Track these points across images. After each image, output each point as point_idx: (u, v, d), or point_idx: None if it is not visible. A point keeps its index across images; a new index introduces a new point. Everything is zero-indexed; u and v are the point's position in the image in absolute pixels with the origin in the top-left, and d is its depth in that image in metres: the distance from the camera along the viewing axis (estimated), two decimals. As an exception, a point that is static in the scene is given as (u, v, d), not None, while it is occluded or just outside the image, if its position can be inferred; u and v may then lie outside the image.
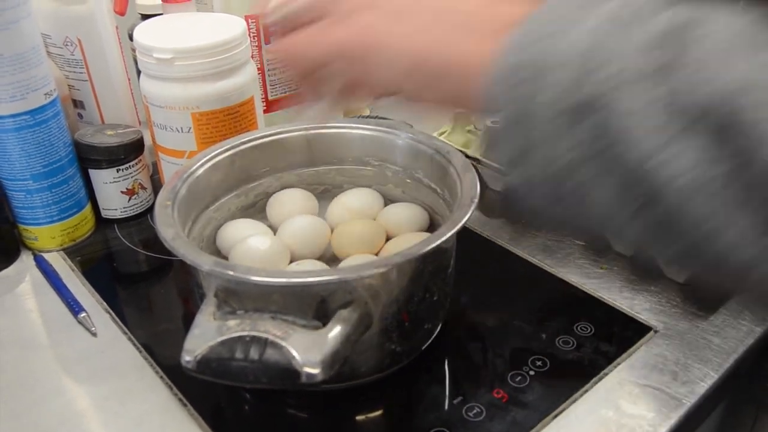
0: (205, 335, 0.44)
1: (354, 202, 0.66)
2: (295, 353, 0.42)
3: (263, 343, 0.43)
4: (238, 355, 0.42)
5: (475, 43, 0.36)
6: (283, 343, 0.42)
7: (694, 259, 0.32)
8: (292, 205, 0.66)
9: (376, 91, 0.42)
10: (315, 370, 0.42)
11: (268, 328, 0.43)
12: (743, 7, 0.31)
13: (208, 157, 0.62)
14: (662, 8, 0.31)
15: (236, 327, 0.44)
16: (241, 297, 0.47)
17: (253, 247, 0.58)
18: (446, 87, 0.38)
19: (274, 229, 0.64)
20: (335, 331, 0.44)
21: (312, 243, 0.62)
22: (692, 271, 0.33)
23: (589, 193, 0.32)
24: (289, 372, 0.42)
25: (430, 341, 0.59)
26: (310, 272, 0.47)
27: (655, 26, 0.30)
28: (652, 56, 0.30)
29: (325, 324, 0.45)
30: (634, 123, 0.29)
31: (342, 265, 0.60)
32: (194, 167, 0.61)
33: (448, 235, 0.50)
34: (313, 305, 0.46)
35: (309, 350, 0.42)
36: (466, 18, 0.37)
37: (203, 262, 0.47)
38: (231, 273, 0.46)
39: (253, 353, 0.42)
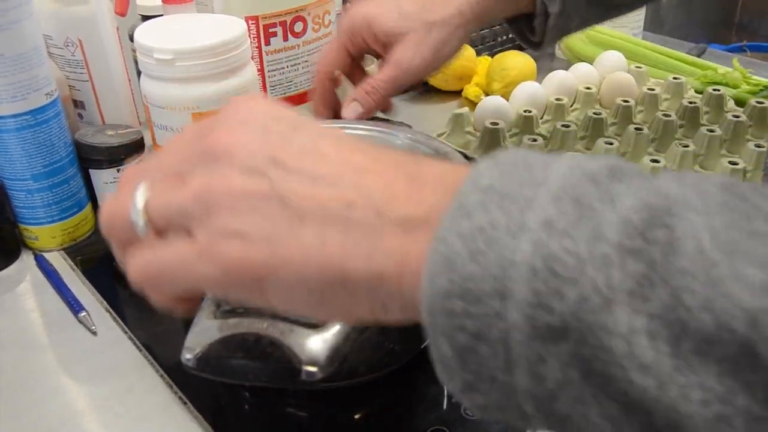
0: (205, 333, 0.44)
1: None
2: (295, 351, 0.42)
3: (263, 341, 0.43)
4: (238, 353, 0.43)
5: (401, 245, 0.30)
6: (283, 341, 0.43)
7: None
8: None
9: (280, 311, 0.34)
10: (314, 369, 0.42)
11: (268, 326, 0.44)
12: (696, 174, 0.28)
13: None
14: (605, 205, 0.26)
15: (236, 325, 0.44)
16: (241, 296, 0.47)
17: None
18: (368, 306, 0.31)
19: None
20: (335, 330, 0.45)
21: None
22: None
23: (581, 413, 0.27)
24: (288, 370, 0.42)
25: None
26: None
27: (612, 232, 0.26)
28: (624, 271, 0.25)
29: (325, 322, 0.45)
30: (631, 350, 0.25)
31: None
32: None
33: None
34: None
35: (309, 348, 0.43)
36: (380, 210, 0.30)
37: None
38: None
39: (253, 351, 0.42)
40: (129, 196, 0.33)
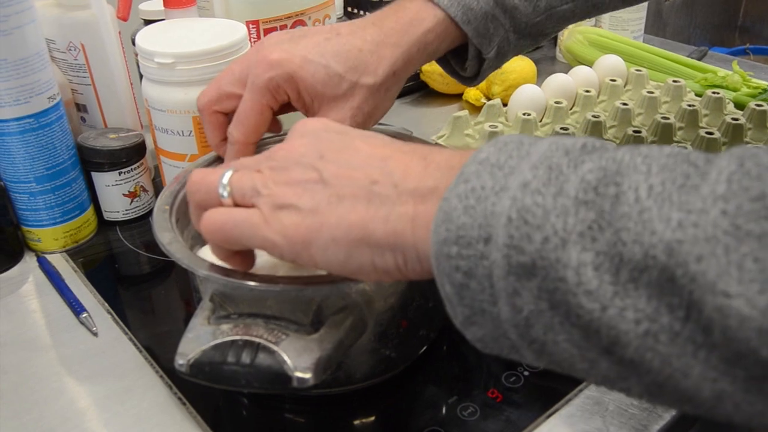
0: (198, 339, 0.44)
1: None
2: (286, 358, 0.43)
3: (255, 347, 0.43)
4: (230, 359, 0.43)
5: (413, 210, 0.38)
6: (275, 348, 0.43)
7: (660, 397, 0.33)
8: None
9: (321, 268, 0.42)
10: (306, 375, 0.43)
11: (261, 332, 0.44)
12: (654, 145, 0.34)
13: (207, 162, 0.63)
14: (571, 170, 0.33)
15: (229, 331, 0.45)
16: (236, 301, 0.48)
17: None
18: (389, 260, 0.39)
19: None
20: (328, 337, 0.45)
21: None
22: (662, 405, 0.36)
23: (552, 339, 0.34)
24: (280, 376, 0.43)
25: (425, 348, 0.60)
26: (304, 278, 0.47)
27: (572, 188, 0.32)
28: (578, 217, 0.32)
29: (318, 329, 0.46)
30: (579, 279, 0.31)
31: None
32: (193, 172, 0.62)
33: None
34: (308, 310, 0.47)
35: (300, 355, 0.43)
36: (396, 187, 0.39)
37: (199, 266, 0.48)
38: (226, 278, 0.47)
39: (245, 357, 0.43)
40: (218, 174, 0.44)
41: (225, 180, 0.44)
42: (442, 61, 0.69)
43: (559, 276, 0.32)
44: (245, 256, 0.47)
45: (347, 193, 0.40)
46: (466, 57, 0.66)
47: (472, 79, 0.70)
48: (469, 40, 0.63)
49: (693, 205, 0.30)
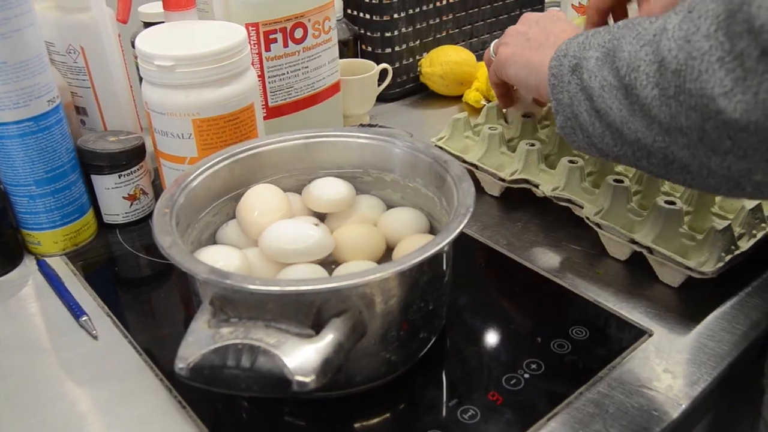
0: (198, 343, 0.44)
1: (355, 206, 0.67)
2: (286, 361, 0.43)
3: (255, 351, 0.43)
4: (230, 363, 0.43)
5: (546, 54, 0.66)
6: (275, 351, 0.43)
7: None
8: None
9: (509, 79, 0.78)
10: (306, 379, 0.42)
11: (261, 336, 0.44)
12: None
13: (207, 165, 0.63)
14: (610, 31, 0.61)
15: (229, 335, 0.44)
16: (236, 305, 0.48)
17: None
18: (535, 78, 0.71)
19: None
20: (327, 340, 0.45)
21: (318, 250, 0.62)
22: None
23: (582, 117, 0.59)
24: (280, 380, 0.43)
25: (426, 350, 0.60)
26: (304, 281, 0.47)
27: (604, 36, 0.59)
28: (603, 40, 0.58)
29: (319, 332, 0.46)
30: (588, 65, 0.59)
31: (337, 272, 0.60)
32: (193, 175, 0.62)
33: (443, 245, 0.51)
34: (308, 313, 0.47)
35: (300, 358, 0.43)
36: (546, 41, 0.72)
37: (199, 270, 0.48)
38: (226, 281, 0.47)
39: (245, 361, 0.43)
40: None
41: (492, 47, 0.85)
42: None
43: (582, 65, 0.59)
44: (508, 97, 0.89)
45: (532, 41, 0.74)
46: None
47: None
48: None
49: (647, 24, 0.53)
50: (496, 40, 0.82)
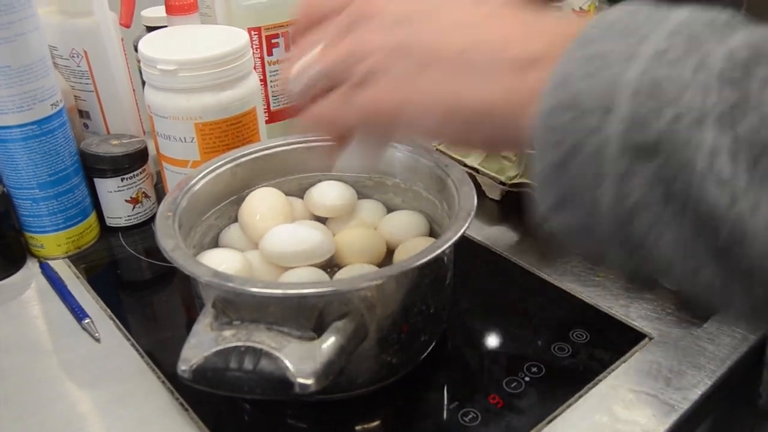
0: (201, 345, 0.45)
1: (356, 210, 0.68)
2: (288, 364, 0.43)
3: (258, 353, 0.43)
4: (233, 365, 0.43)
5: (512, 81, 0.34)
6: (277, 354, 0.43)
7: (765, 313, 0.30)
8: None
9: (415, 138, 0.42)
10: (308, 381, 0.43)
11: (264, 338, 0.44)
12: None
13: (209, 169, 0.63)
14: (716, 42, 0.29)
15: (232, 337, 0.45)
16: (238, 307, 0.48)
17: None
18: (488, 130, 0.36)
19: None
20: (329, 342, 0.45)
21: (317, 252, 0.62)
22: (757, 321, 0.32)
23: (656, 236, 0.29)
24: (282, 382, 0.43)
25: (427, 353, 0.60)
26: (306, 284, 0.48)
27: (716, 63, 0.28)
28: (720, 96, 0.27)
29: (320, 335, 0.46)
30: (711, 165, 0.27)
31: (339, 276, 0.60)
32: (196, 179, 0.62)
33: (444, 248, 0.51)
34: (310, 316, 0.47)
35: (303, 361, 0.43)
36: (495, 54, 0.35)
37: (202, 273, 0.48)
38: (229, 284, 0.47)
39: (248, 364, 0.43)
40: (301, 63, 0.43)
41: (298, 70, 0.43)
42: None
43: (686, 159, 0.27)
44: (343, 138, 0.45)
45: (437, 63, 0.36)
46: None
47: None
48: None
49: None
50: (306, 58, 0.43)
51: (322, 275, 0.60)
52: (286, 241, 0.60)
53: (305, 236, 0.61)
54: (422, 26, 0.38)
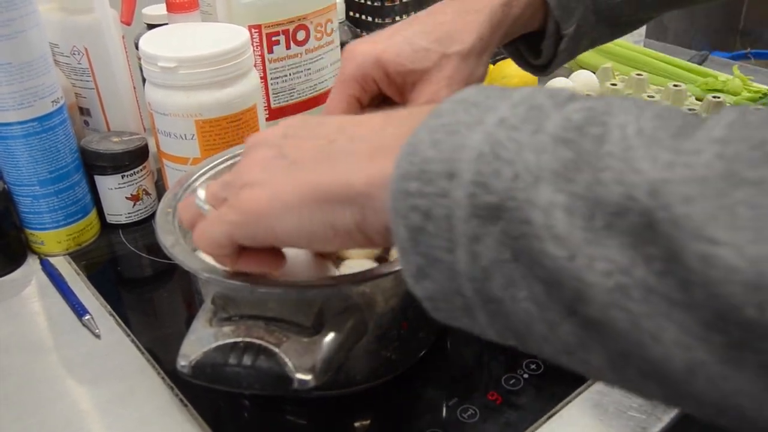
0: (200, 341, 0.45)
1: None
2: (287, 360, 0.43)
3: (256, 349, 0.44)
4: (232, 360, 0.43)
5: (365, 166, 0.36)
6: (276, 350, 0.43)
7: (624, 371, 0.29)
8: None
9: (291, 245, 0.42)
10: (307, 377, 0.43)
11: (263, 334, 0.44)
12: (636, 102, 0.31)
13: (209, 166, 0.63)
14: (554, 109, 0.30)
15: (231, 333, 0.45)
16: (238, 303, 0.48)
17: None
18: (352, 214, 0.36)
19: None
20: (328, 338, 0.45)
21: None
22: (623, 384, 0.31)
23: (512, 295, 0.30)
24: (281, 378, 0.43)
25: (426, 349, 0.60)
26: (305, 280, 0.48)
27: (552, 126, 0.30)
28: (555, 155, 0.29)
29: (319, 331, 0.46)
30: (548, 222, 0.28)
31: (341, 270, 0.60)
32: (196, 176, 0.62)
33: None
34: (309, 312, 0.47)
35: (301, 357, 0.43)
36: (351, 142, 0.38)
37: (201, 269, 0.48)
38: (228, 280, 0.47)
39: (247, 359, 0.43)
40: (194, 197, 0.44)
41: (201, 195, 0.43)
42: (514, 53, 0.67)
43: (526, 217, 0.28)
44: (232, 256, 0.43)
45: (305, 158, 0.38)
46: (539, 44, 0.64)
47: (545, 68, 0.66)
48: (549, 11, 0.60)
49: (685, 147, 0.27)
50: (206, 186, 0.44)
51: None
52: None
53: None
54: (300, 136, 0.40)
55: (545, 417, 0.56)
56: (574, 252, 0.27)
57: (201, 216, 0.43)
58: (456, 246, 0.30)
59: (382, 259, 0.62)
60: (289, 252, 0.46)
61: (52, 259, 0.76)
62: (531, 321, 0.30)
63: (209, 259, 0.54)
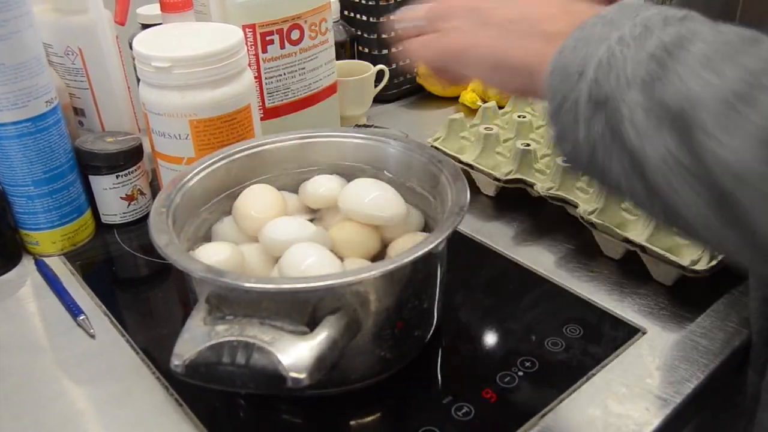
0: (194, 340, 0.45)
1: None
2: (281, 358, 0.43)
3: (250, 348, 0.44)
4: (226, 359, 0.43)
5: (541, 47, 0.46)
6: (270, 348, 0.43)
7: (672, 219, 0.41)
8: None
9: (472, 78, 0.56)
10: (300, 375, 0.43)
11: (256, 333, 0.45)
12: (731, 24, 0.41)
13: (204, 166, 0.64)
14: (658, 30, 0.40)
15: (225, 332, 0.45)
16: (231, 302, 0.48)
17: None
18: (519, 82, 0.49)
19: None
20: (322, 337, 0.45)
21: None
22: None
23: (608, 163, 0.42)
24: (275, 377, 0.43)
25: (421, 348, 0.61)
26: (299, 279, 0.48)
27: (651, 45, 0.40)
28: (647, 68, 0.39)
29: (313, 330, 0.46)
30: (632, 116, 0.39)
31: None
32: (190, 175, 0.62)
33: (436, 243, 0.51)
34: (303, 311, 0.47)
35: (295, 355, 0.43)
36: (531, 27, 0.49)
37: (195, 268, 0.48)
38: (222, 279, 0.47)
39: (240, 358, 0.43)
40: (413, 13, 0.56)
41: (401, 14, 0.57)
42: None
43: (620, 109, 0.40)
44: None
45: (492, 25, 0.50)
46: None
47: None
48: None
49: (725, 71, 0.37)
50: (415, 7, 0.56)
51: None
52: (287, 230, 0.60)
53: (302, 226, 0.61)
54: (495, 4, 0.51)
55: (540, 414, 0.56)
56: (643, 135, 0.39)
57: (409, 30, 0.56)
58: (578, 120, 0.42)
59: (377, 258, 0.62)
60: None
61: (47, 260, 0.76)
62: (620, 179, 0.42)
63: (205, 259, 0.55)
